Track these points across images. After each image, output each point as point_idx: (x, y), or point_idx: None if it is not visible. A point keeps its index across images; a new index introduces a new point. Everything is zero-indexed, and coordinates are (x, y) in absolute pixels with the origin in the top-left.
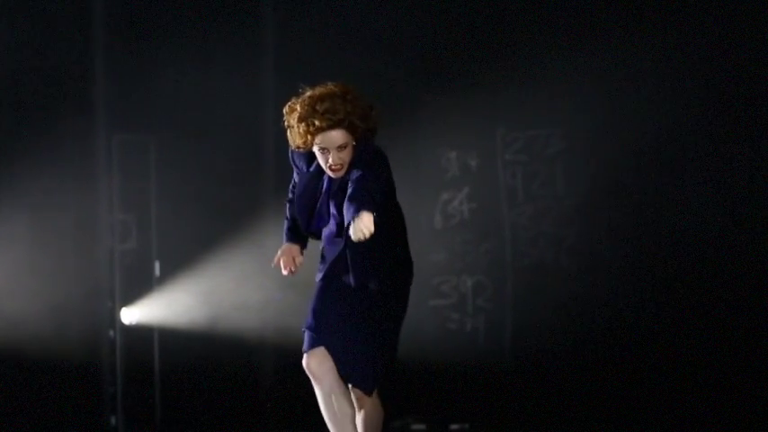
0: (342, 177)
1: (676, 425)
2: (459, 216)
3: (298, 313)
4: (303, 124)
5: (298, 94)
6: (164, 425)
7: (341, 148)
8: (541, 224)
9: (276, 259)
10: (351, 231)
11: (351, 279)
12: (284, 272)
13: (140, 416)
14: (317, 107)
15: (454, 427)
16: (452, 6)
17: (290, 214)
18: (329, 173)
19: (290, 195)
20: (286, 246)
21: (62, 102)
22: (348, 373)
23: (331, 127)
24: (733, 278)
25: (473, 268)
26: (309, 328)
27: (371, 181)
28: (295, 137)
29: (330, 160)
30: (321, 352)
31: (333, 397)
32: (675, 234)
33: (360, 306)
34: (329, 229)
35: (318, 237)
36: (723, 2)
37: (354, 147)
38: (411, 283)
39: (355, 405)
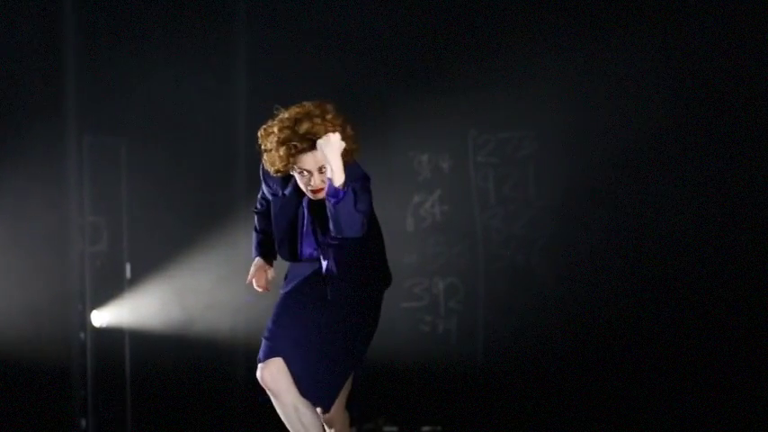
0: (321, 200)
1: (656, 427)
2: (431, 218)
3: (269, 315)
4: (284, 147)
5: (273, 116)
6: (135, 428)
7: (322, 169)
8: (513, 226)
9: (250, 277)
10: (318, 142)
11: (328, 292)
12: (258, 290)
13: (111, 419)
14: (297, 128)
15: (426, 429)
16: (424, 8)
17: (260, 226)
18: (310, 195)
19: (259, 207)
20: (258, 261)
21: (32, 103)
22: (306, 390)
23: (313, 148)
24: (710, 281)
25: (445, 270)
26: (267, 338)
27: (358, 201)
28: (274, 161)
29: (312, 182)
30: (277, 364)
31: (294, 408)
32: (648, 236)
33: (329, 320)
34: (303, 248)
35: (294, 259)
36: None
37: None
38: (381, 299)
39: (324, 425)
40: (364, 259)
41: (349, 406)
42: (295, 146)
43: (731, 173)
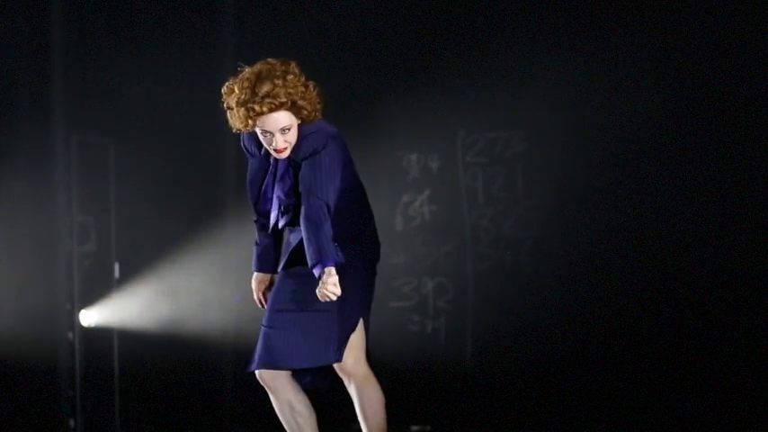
0: (288, 158)
1: (655, 427)
2: (419, 218)
3: (258, 315)
4: (243, 109)
5: (236, 74)
6: (124, 428)
7: (284, 130)
8: (502, 226)
9: (256, 298)
10: (317, 291)
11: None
12: (262, 306)
13: (100, 419)
14: (257, 90)
15: (415, 428)
16: (412, 8)
17: (258, 238)
18: (274, 155)
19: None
20: (257, 277)
21: (19, 103)
22: (312, 358)
23: (272, 110)
24: (701, 282)
25: (434, 270)
26: (265, 326)
27: (324, 183)
28: (235, 120)
29: (274, 143)
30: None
31: (289, 407)
32: (641, 236)
33: (315, 288)
34: (275, 212)
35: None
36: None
37: (301, 126)
38: (377, 260)
39: (345, 382)
40: (338, 220)
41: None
42: (253, 108)
43: (731, 173)
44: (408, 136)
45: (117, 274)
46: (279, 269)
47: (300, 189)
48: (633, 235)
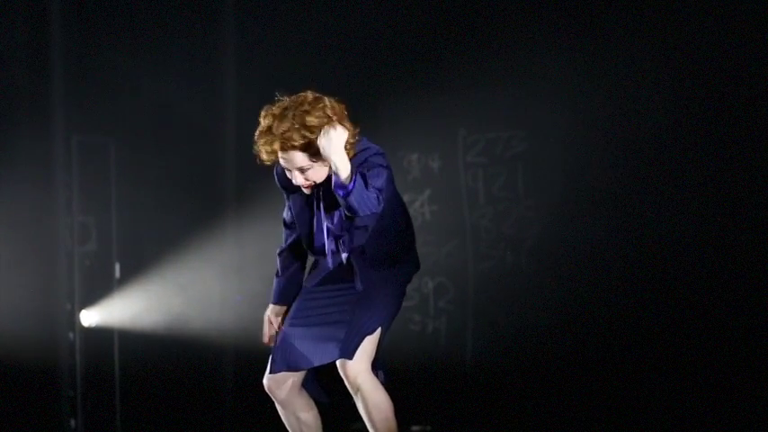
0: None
1: (654, 427)
2: (420, 218)
3: (258, 315)
4: (260, 142)
5: (273, 102)
6: (124, 428)
7: (304, 169)
8: (502, 226)
9: (267, 332)
10: (319, 141)
11: (358, 284)
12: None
13: (100, 419)
14: (274, 129)
15: (415, 428)
16: (412, 8)
17: (280, 269)
18: (303, 190)
19: (285, 217)
20: (273, 309)
21: (20, 103)
22: (318, 356)
23: (285, 150)
24: (697, 283)
25: (435, 270)
26: (276, 345)
27: (376, 176)
28: (259, 151)
29: (295, 180)
30: (283, 374)
31: (296, 417)
32: (636, 235)
33: (348, 300)
34: (324, 242)
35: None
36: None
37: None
38: (408, 282)
39: (350, 390)
40: (385, 242)
41: (375, 369)
42: (271, 145)
43: (731, 173)
44: (409, 136)
45: (118, 274)
46: (308, 284)
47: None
48: (633, 235)
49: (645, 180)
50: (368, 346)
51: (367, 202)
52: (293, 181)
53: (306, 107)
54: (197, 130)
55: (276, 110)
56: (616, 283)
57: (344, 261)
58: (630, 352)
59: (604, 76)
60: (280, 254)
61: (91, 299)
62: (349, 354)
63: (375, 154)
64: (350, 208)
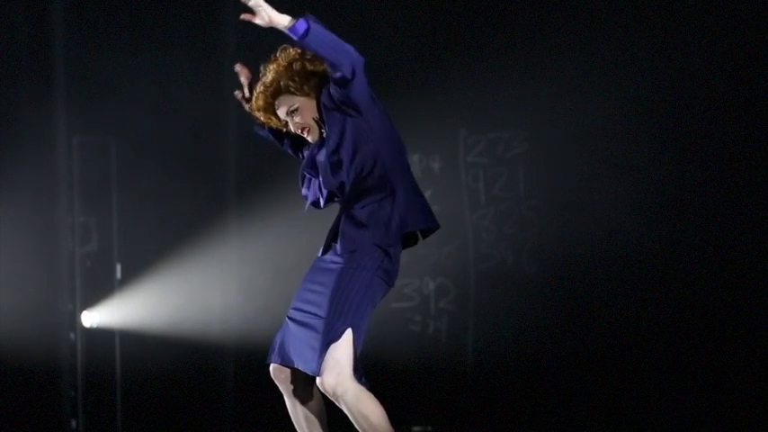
0: (323, 147)
1: (654, 427)
2: None
3: (259, 315)
4: (254, 106)
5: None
6: (125, 428)
7: (291, 113)
8: (503, 226)
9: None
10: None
11: (338, 246)
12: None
13: (101, 419)
14: (257, 89)
15: (416, 429)
16: (412, 7)
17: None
18: (307, 137)
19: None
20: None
21: (21, 103)
22: (295, 359)
23: (267, 100)
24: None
25: (435, 271)
26: (283, 327)
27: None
28: (258, 116)
29: (292, 127)
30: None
31: (295, 403)
32: (636, 236)
33: (330, 277)
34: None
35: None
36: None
37: (319, 104)
38: (393, 246)
39: (335, 402)
40: (368, 180)
41: (358, 378)
42: (259, 104)
43: (731, 173)
44: (410, 136)
45: (119, 274)
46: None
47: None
48: (633, 235)
49: (645, 180)
50: (337, 354)
51: (336, 46)
52: (292, 129)
53: (269, 64)
54: (198, 130)
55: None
56: (616, 283)
57: (322, 204)
58: (630, 352)
59: (604, 76)
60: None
61: (92, 299)
62: (315, 369)
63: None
64: (324, 56)
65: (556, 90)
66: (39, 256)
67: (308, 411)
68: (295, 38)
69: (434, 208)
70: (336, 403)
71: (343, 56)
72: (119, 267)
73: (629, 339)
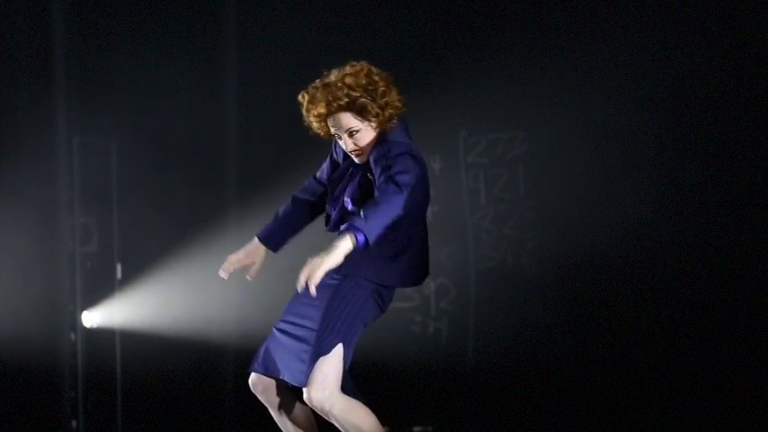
0: (364, 165)
1: (653, 427)
2: None
3: (260, 316)
4: (310, 109)
5: (320, 77)
6: (126, 429)
7: (351, 132)
8: (503, 227)
9: (234, 260)
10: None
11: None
12: (221, 273)
13: (101, 419)
14: (319, 93)
15: (417, 429)
16: (412, 7)
17: (281, 211)
18: (354, 158)
19: (316, 174)
20: (254, 243)
21: (21, 104)
22: (282, 369)
23: (330, 111)
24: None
25: (436, 271)
26: (271, 335)
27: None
28: (310, 122)
29: (345, 146)
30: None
31: (282, 415)
32: (637, 235)
33: (325, 293)
34: (335, 213)
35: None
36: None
37: (378, 134)
38: (386, 288)
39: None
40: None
41: (347, 392)
42: (315, 112)
43: (731, 173)
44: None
45: (119, 275)
46: None
47: (377, 173)
48: (633, 235)
49: (645, 180)
50: (326, 367)
51: (388, 220)
52: (344, 147)
53: (347, 71)
54: (198, 130)
55: (319, 81)
56: (616, 283)
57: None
58: (631, 352)
59: (604, 76)
60: (292, 197)
61: (92, 300)
62: (302, 381)
63: (402, 153)
64: (387, 228)
65: (556, 90)
66: (39, 256)
67: (295, 422)
68: (365, 247)
69: (434, 208)
70: (326, 418)
71: (397, 217)
72: (119, 267)
73: (629, 339)
